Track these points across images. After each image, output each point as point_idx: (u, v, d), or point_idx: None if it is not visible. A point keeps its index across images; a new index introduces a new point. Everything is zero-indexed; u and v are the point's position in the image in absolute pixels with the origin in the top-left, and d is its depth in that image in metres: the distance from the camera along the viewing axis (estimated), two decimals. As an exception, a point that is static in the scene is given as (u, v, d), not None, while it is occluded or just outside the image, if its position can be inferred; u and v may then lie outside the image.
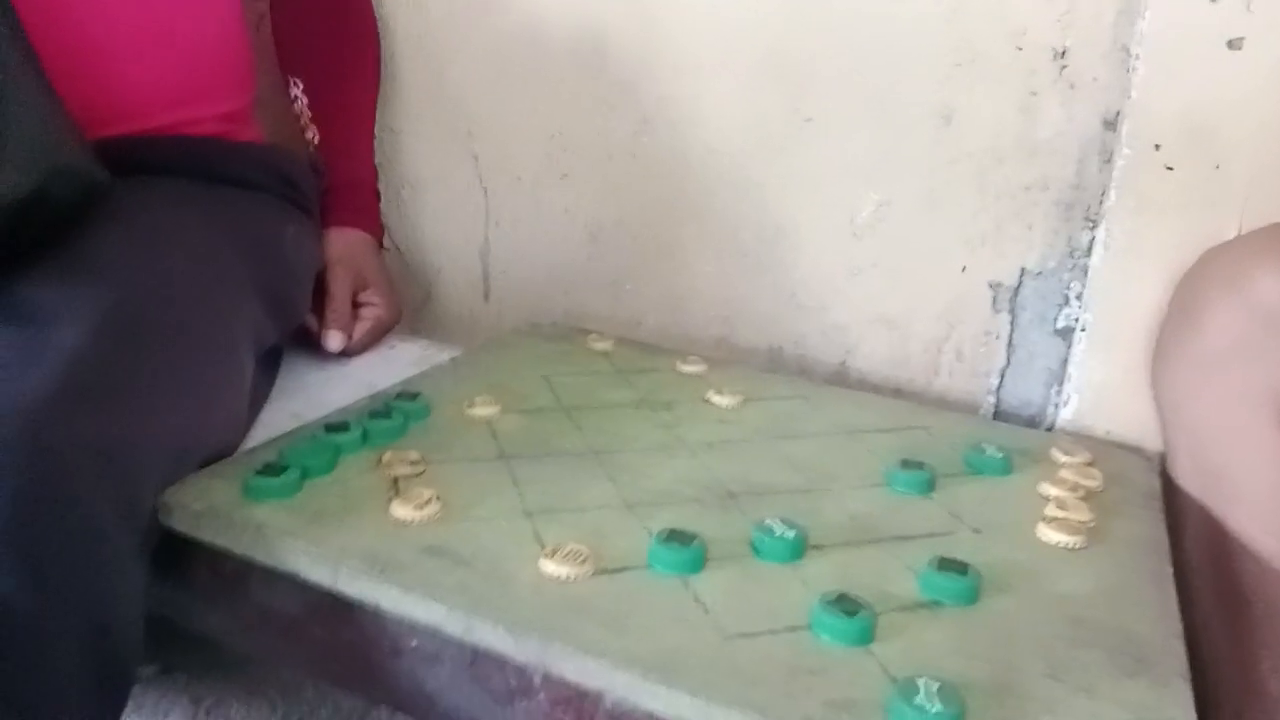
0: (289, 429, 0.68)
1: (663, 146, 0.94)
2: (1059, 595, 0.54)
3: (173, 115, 0.79)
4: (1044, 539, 0.60)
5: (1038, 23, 0.77)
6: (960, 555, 0.55)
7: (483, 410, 0.72)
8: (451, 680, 0.52)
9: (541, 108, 0.98)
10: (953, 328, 0.87)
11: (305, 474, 0.60)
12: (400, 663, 0.53)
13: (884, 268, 0.88)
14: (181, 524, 0.57)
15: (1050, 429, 0.84)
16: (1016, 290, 0.83)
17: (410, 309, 1.10)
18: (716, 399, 0.78)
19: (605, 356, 0.88)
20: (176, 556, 0.58)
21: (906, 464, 0.67)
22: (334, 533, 0.55)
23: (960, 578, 0.53)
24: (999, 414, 0.87)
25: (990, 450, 0.70)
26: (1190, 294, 0.70)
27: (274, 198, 0.85)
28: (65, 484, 0.47)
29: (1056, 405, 0.83)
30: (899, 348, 0.89)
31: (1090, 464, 0.71)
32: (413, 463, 0.63)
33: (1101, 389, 0.78)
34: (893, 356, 0.90)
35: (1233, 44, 0.68)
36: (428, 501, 0.57)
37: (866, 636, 0.49)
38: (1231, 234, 0.71)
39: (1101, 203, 0.77)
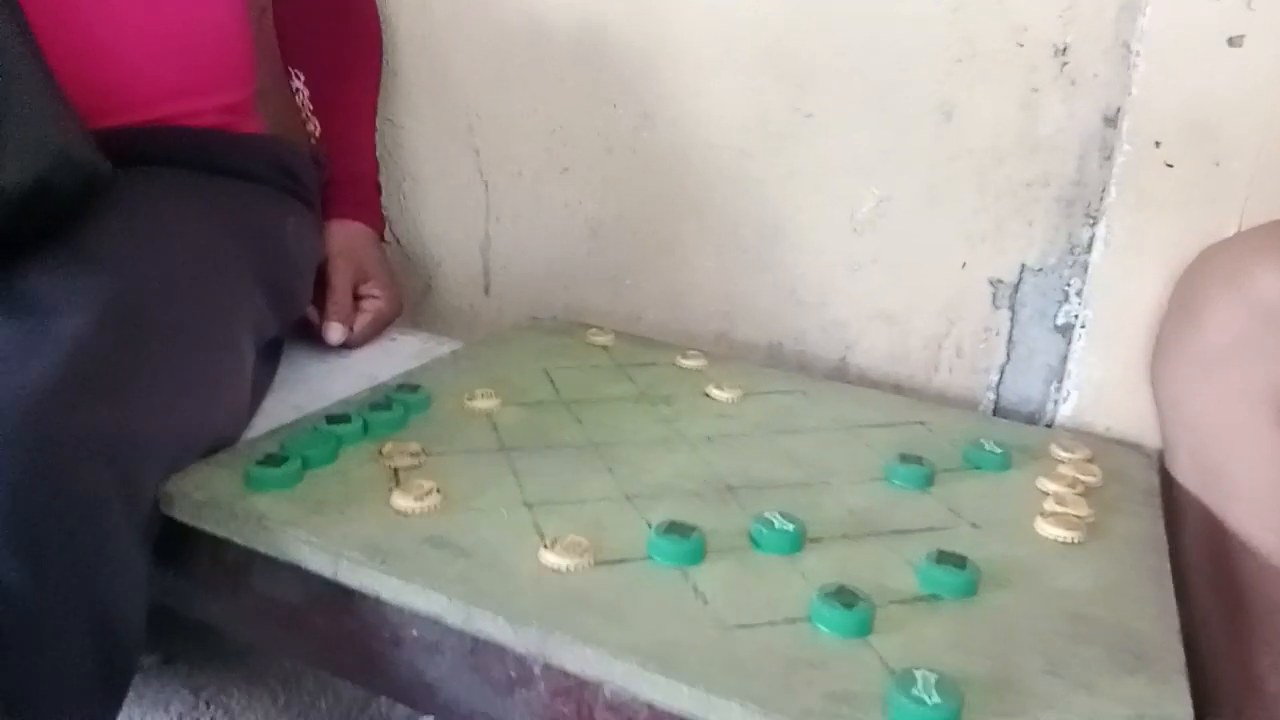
0: (290, 420, 0.69)
1: (663, 142, 0.94)
2: (1057, 590, 0.54)
3: (174, 106, 0.79)
4: (1042, 534, 0.60)
5: (1039, 19, 0.77)
6: (959, 549, 0.55)
7: (483, 403, 0.73)
8: (452, 670, 0.52)
9: (543, 103, 0.98)
10: (953, 324, 0.87)
11: (306, 464, 0.60)
12: (400, 652, 0.53)
13: (884, 264, 0.88)
14: (183, 514, 0.57)
15: (1050, 425, 0.84)
16: (1017, 287, 0.84)
17: (411, 302, 1.10)
18: (716, 393, 0.79)
19: (605, 351, 0.88)
20: (178, 545, 0.58)
21: (905, 459, 0.67)
22: (335, 523, 0.55)
23: (959, 571, 0.53)
24: (999, 410, 0.87)
25: (989, 446, 0.70)
26: (1190, 291, 0.70)
27: (275, 190, 0.85)
28: (67, 474, 0.47)
29: (1056, 402, 0.84)
30: (899, 344, 0.89)
31: (1089, 460, 0.71)
32: (413, 454, 0.63)
33: (1101, 385, 0.79)
34: (893, 352, 0.90)
35: (1233, 41, 0.68)
36: (428, 493, 0.58)
37: (865, 629, 0.49)
38: (1232, 231, 0.71)
39: (1102, 199, 0.77)
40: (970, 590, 0.53)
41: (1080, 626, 0.51)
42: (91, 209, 0.63)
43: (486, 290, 1.08)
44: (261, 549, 0.55)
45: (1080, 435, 0.78)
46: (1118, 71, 0.75)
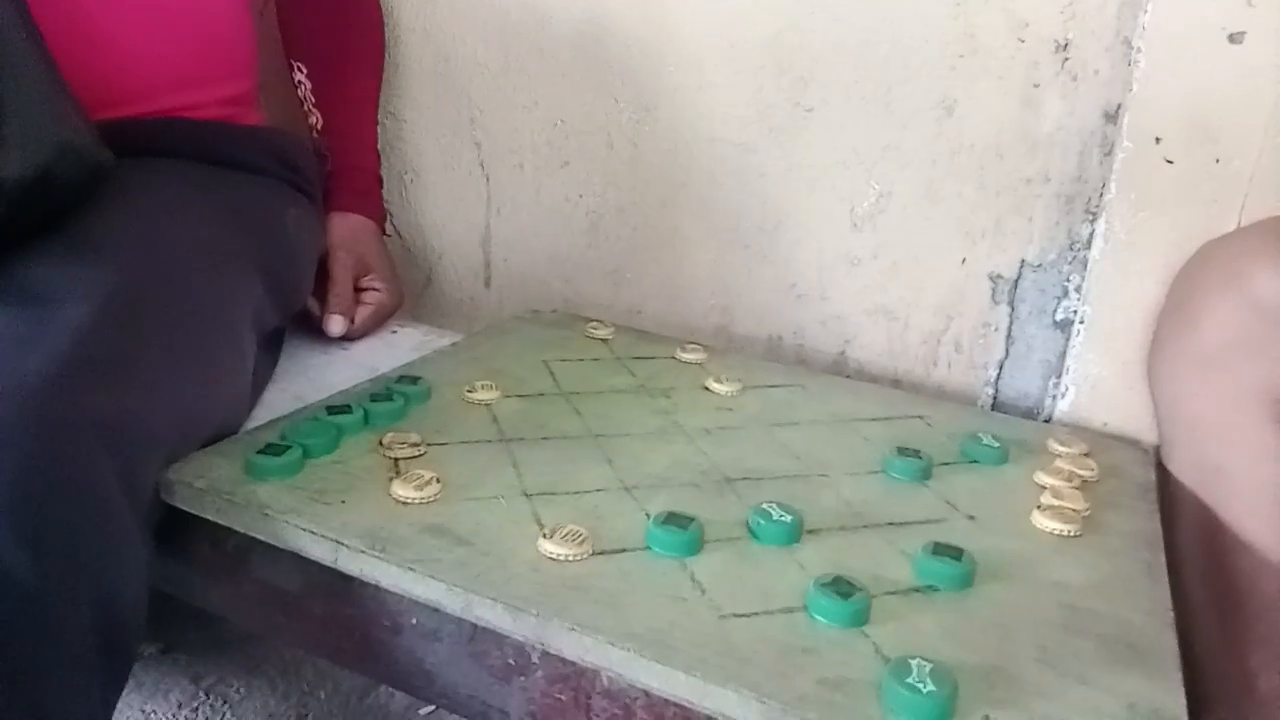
0: (291, 410, 0.69)
1: (664, 136, 0.94)
2: (1053, 582, 0.55)
3: (176, 98, 0.79)
4: (1039, 527, 0.61)
5: (1040, 15, 0.77)
6: (955, 541, 0.56)
7: (483, 394, 0.73)
8: (450, 657, 0.52)
9: (544, 96, 0.99)
10: (952, 319, 0.87)
11: (307, 454, 0.61)
12: (400, 640, 0.54)
13: (884, 259, 0.88)
14: (184, 501, 0.57)
15: (1048, 420, 0.84)
16: (1016, 282, 0.84)
17: (411, 294, 1.11)
18: (715, 386, 0.79)
19: (605, 344, 0.89)
20: (178, 531, 0.58)
21: (903, 451, 0.67)
22: (335, 512, 0.55)
23: (955, 563, 0.54)
24: (997, 405, 0.87)
25: (987, 440, 0.71)
26: (1188, 289, 0.70)
27: (277, 182, 0.85)
28: (69, 459, 0.48)
29: (1054, 397, 0.84)
30: (898, 338, 0.90)
31: (1087, 455, 0.71)
32: (413, 444, 0.64)
33: (1099, 381, 0.79)
34: (891, 347, 0.90)
35: (1234, 37, 0.68)
36: (428, 482, 0.58)
37: (861, 618, 0.49)
38: (1231, 228, 0.71)
39: (1102, 195, 0.77)
40: (966, 582, 0.53)
41: (1075, 619, 0.51)
42: (94, 200, 0.63)
43: (487, 283, 1.08)
44: (262, 537, 0.56)
45: (1078, 430, 0.78)
46: (1118, 68, 0.75)
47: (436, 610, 0.51)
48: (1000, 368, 0.86)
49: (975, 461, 0.69)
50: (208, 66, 0.82)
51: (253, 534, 0.56)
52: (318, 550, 0.54)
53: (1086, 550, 0.59)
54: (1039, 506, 0.62)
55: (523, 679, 0.50)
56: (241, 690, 0.89)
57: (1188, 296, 0.70)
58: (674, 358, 0.86)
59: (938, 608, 0.52)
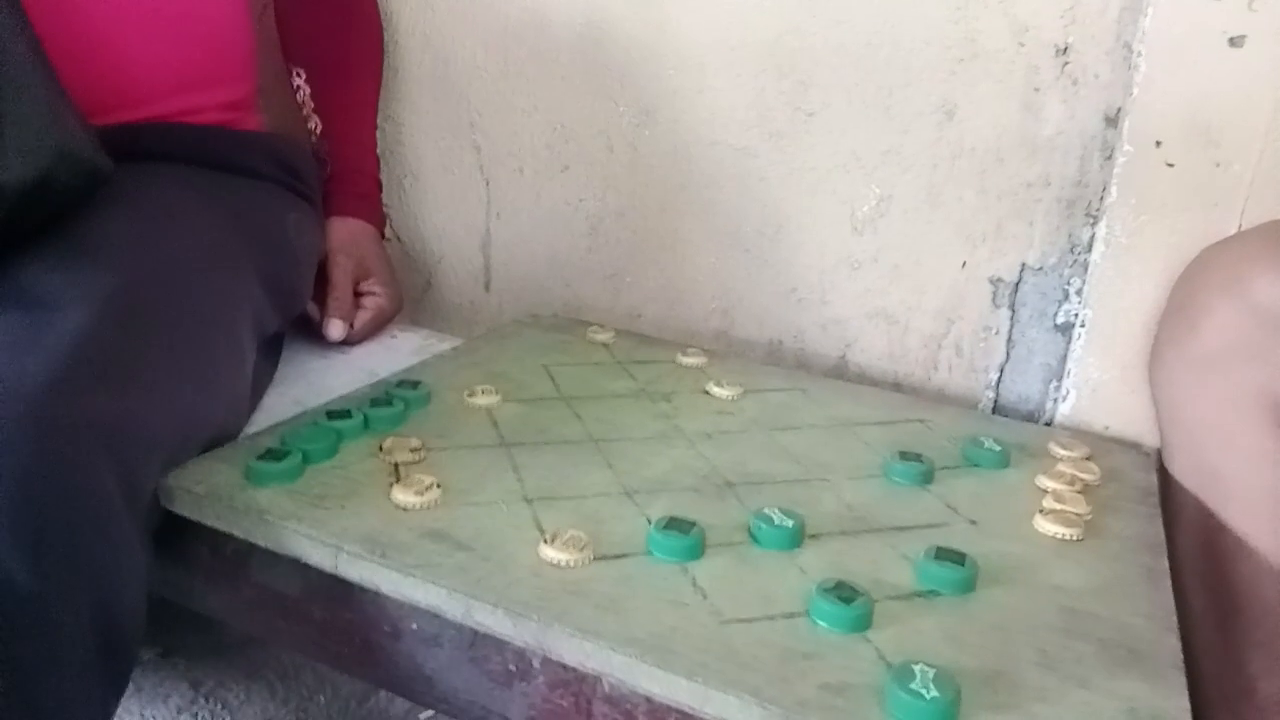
0: (291, 415, 0.69)
1: (664, 140, 0.94)
2: (1054, 586, 0.55)
3: (176, 103, 0.79)
4: (1041, 531, 0.60)
5: (1041, 20, 0.77)
6: (957, 546, 0.56)
7: (483, 399, 0.73)
8: (451, 663, 0.52)
9: (544, 100, 0.99)
10: (952, 323, 0.87)
11: (307, 459, 0.61)
12: (400, 645, 0.53)
13: (884, 262, 0.88)
14: (184, 508, 0.57)
15: (1049, 424, 0.84)
16: (1017, 286, 0.84)
17: (411, 299, 1.11)
18: (715, 390, 0.79)
19: (605, 348, 0.88)
20: (178, 536, 0.58)
21: (904, 456, 0.67)
22: (335, 517, 0.55)
23: (957, 567, 0.53)
24: (998, 409, 0.87)
25: (988, 443, 0.70)
26: (1188, 293, 0.70)
27: (276, 186, 0.85)
28: (69, 463, 0.47)
29: (1055, 401, 0.84)
30: (898, 342, 0.89)
31: (1088, 459, 0.71)
32: (413, 449, 0.63)
33: (1100, 385, 0.79)
34: (892, 351, 0.90)
35: (1234, 41, 0.68)
36: (428, 487, 0.58)
37: (863, 623, 0.49)
38: (1232, 232, 0.71)
39: (1102, 199, 0.77)
40: (968, 586, 0.53)
41: (1077, 622, 0.51)
42: (93, 204, 0.63)
43: (487, 287, 1.08)
44: (262, 543, 0.55)
45: (1079, 434, 0.78)
46: (1119, 72, 0.75)
47: (437, 615, 0.51)
48: (1001, 371, 0.86)
49: (976, 465, 0.69)
50: (207, 71, 0.82)
51: (252, 539, 0.56)
52: (318, 555, 0.54)
53: (1088, 554, 0.58)
54: (1040, 510, 0.62)
55: (523, 685, 0.50)
56: (241, 695, 0.89)
57: (1188, 300, 0.70)
58: (674, 361, 0.86)
59: (940, 612, 0.51)
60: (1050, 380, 0.84)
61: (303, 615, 0.57)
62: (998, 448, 0.70)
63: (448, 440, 0.66)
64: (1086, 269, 0.79)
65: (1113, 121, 0.77)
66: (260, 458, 0.59)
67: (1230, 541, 0.66)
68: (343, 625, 0.55)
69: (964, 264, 0.85)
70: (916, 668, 0.44)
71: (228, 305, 0.68)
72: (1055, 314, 0.83)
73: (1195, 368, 0.68)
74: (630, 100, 0.94)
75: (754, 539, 0.57)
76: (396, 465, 0.62)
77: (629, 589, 0.51)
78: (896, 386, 0.90)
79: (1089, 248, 0.79)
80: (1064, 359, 0.82)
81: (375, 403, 0.68)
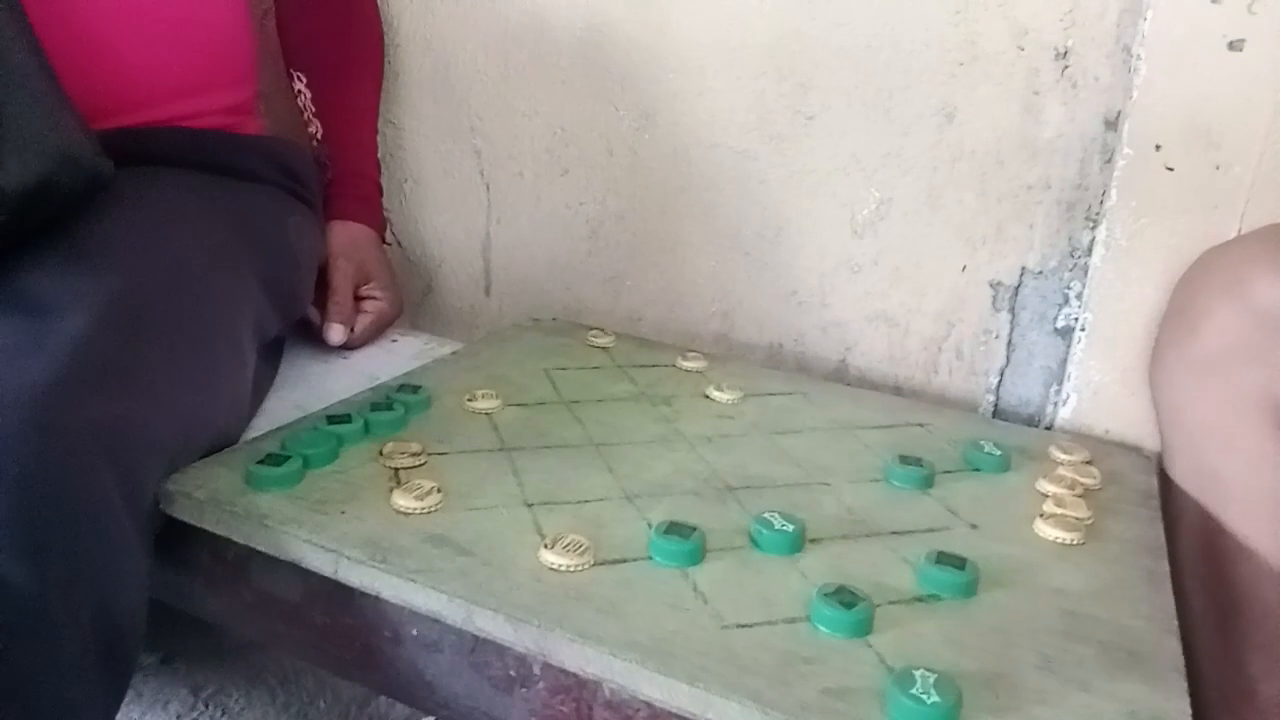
0: (291, 420, 0.69)
1: (664, 143, 0.94)
2: (1055, 590, 0.55)
3: (176, 107, 0.79)
4: (1041, 535, 0.60)
5: (1041, 23, 0.77)
6: (958, 550, 0.56)
7: (483, 403, 0.73)
8: (451, 668, 0.52)
9: (544, 104, 0.99)
10: (952, 326, 0.87)
11: (307, 464, 0.61)
12: (400, 650, 0.53)
13: (884, 266, 0.88)
14: (184, 513, 0.57)
15: (1049, 428, 0.84)
16: (1017, 289, 0.84)
17: (411, 303, 1.11)
18: (716, 394, 0.79)
19: (605, 351, 0.88)
20: (178, 541, 0.58)
21: (905, 460, 0.67)
22: (336, 522, 0.55)
23: (958, 572, 0.53)
24: (998, 413, 0.87)
25: (989, 447, 0.70)
26: (1188, 296, 0.70)
27: (277, 190, 0.85)
28: (70, 467, 0.47)
29: (1055, 404, 0.84)
30: (898, 346, 0.89)
31: (1088, 462, 0.71)
32: (414, 454, 0.63)
33: (1100, 388, 0.79)
34: (892, 354, 0.90)
35: (1234, 45, 0.68)
36: (429, 492, 0.58)
37: (864, 628, 0.49)
38: (1232, 235, 0.71)
39: (1102, 203, 0.77)
40: (969, 590, 0.53)
41: (1077, 626, 0.51)
42: (94, 208, 0.63)
43: (487, 291, 1.08)
44: (262, 548, 0.55)
45: (1079, 438, 0.78)
46: (1119, 75, 0.76)
47: (437, 621, 0.51)
48: (1001, 375, 0.86)
49: (977, 469, 0.69)
50: (208, 75, 0.82)
51: (253, 545, 0.56)
52: (318, 561, 0.54)
53: (1088, 558, 0.58)
54: (1041, 514, 0.62)
55: (524, 690, 0.50)
56: (241, 700, 0.89)
57: (1188, 303, 0.70)
58: (675, 365, 0.86)
59: (940, 616, 0.51)
60: (1050, 384, 0.84)
61: (303, 620, 0.57)
62: (998, 451, 0.70)
63: (448, 445, 0.66)
64: (1087, 272, 0.79)
65: (1112, 124, 0.77)
66: (260, 462, 0.59)
67: (1231, 544, 0.66)
68: (343, 630, 0.55)
69: (964, 267, 0.85)
70: (917, 672, 0.44)
71: (228, 309, 0.68)
72: (1055, 317, 0.83)
73: (1196, 370, 0.68)
74: (630, 103, 0.94)
75: (755, 543, 0.57)
76: (397, 470, 0.62)
77: (629, 593, 0.51)
78: (897, 390, 0.90)
79: (1089, 251, 0.79)
80: (1064, 362, 0.82)
81: (376, 407, 0.68)
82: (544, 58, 0.97)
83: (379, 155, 1.03)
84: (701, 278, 0.96)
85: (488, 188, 1.05)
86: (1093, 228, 0.79)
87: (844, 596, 0.50)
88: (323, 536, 0.54)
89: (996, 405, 0.87)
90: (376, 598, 0.53)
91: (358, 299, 0.91)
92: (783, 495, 0.63)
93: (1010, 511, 0.63)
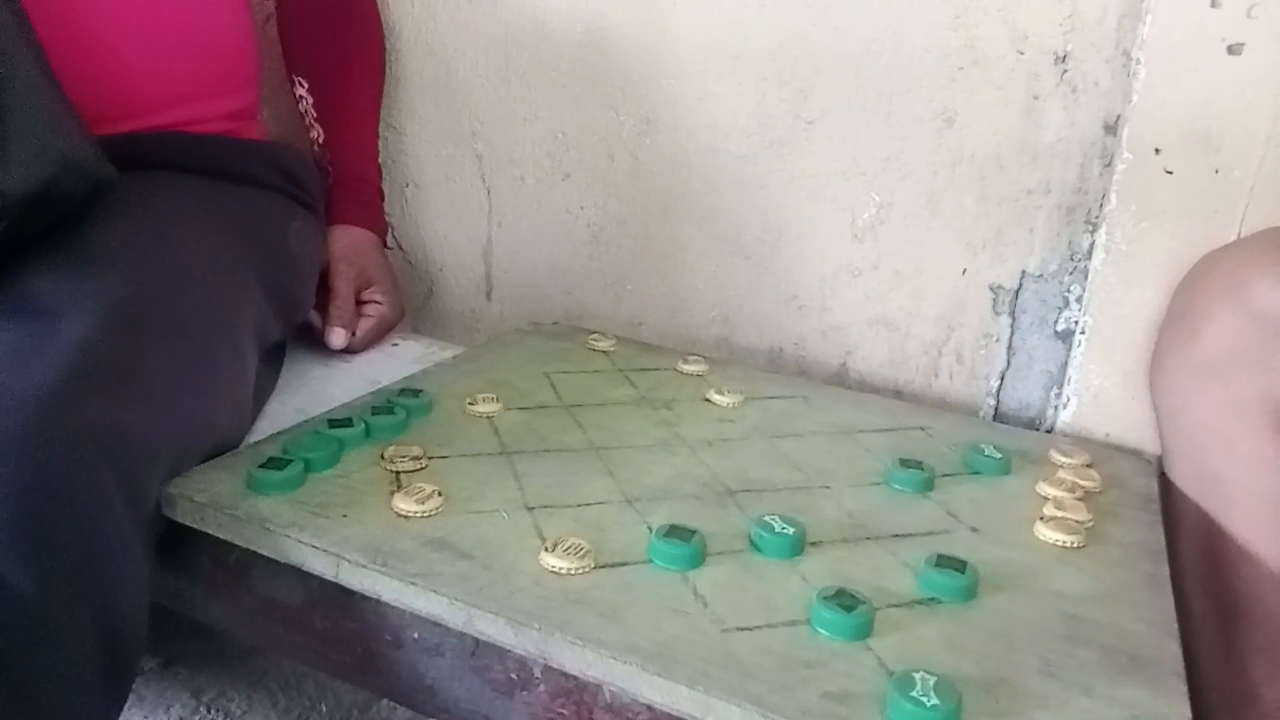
0: (292, 424, 0.69)
1: (665, 148, 0.94)
2: (1056, 593, 0.55)
3: (178, 113, 0.79)
4: (1042, 538, 0.60)
5: (1040, 27, 0.77)
6: (958, 553, 0.56)
7: (484, 407, 0.73)
8: (452, 671, 0.52)
9: (545, 109, 0.99)
10: (953, 330, 0.87)
11: (308, 468, 0.61)
12: (401, 654, 0.53)
13: (885, 270, 0.88)
14: (186, 516, 0.57)
15: (1049, 431, 0.84)
16: (1017, 293, 0.84)
17: (413, 307, 1.11)
18: (716, 398, 0.79)
19: (606, 355, 0.89)
20: (180, 545, 0.58)
21: (905, 463, 0.67)
22: (337, 526, 0.55)
23: (958, 575, 0.53)
24: (998, 416, 0.87)
25: (989, 451, 0.70)
26: (1188, 300, 0.70)
27: (278, 195, 0.85)
28: (71, 471, 0.47)
29: (1056, 408, 0.84)
30: (899, 349, 0.90)
31: (1089, 466, 0.71)
32: (415, 458, 0.63)
33: (1101, 392, 0.79)
34: (892, 358, 0.90)
35: (1233, 49, 0.68)
36: (429, 496, 0.58)
37: (865, 631, 0.49)
38: (1232, 238, 0.71)
39: (1102, 206, 0.77)
40: (970, 594, 0.53)
41: (1078, 629, 0.51)
42: (96, 213, 0.63)
43: (488, 295, 1.09)
44: (264, 552, 0.55)
45: (1080, 441, 0.78)
46: (1118, 79, 0.76)
47: (438, 624, 0.51)
48: (1002, 378, 0.86)
49: (977, 473, 0.69)
50: (210, 81, 0.83)
51: (254, 548, 0.56)
52: (319, 564, 0.54)
53: (1089, 561, 0.58)
54: (1041, 518, 0.62)
55: (525, 693, 0.50)
56: (243, 704, 0.89)
57: (1189, 307, 0.70)
58: (675, 369, 0.86)
59: (941, 620, 0.51)
60: (1051, 387, 0.84)
61: (304, 624, 0.57)
62: (999, 455, 0.70)
63: (449, 448, 0.66)
64: (1087, 276, 0.79)
65: (1112, 128, 0.77)
66: (262, 466, 0.59)
67: (1231, 547, 0.66)
68: (344, 634, 0.55)
69: (964, 271, 0.85)
70: (918, 675, 0.44)
71: (230, 313, 0.69)
72: (1056, 321, 0.83)
73: (1196, 374, 0.68)
74: (631, 108, 0.94)
75: (755, 547, 0.57)
76: (398, 474, 0.62)
77: (630, 597, 0.51)
78: (897, 393, 0.90)
79: (1089, 254, 0.79)
80: (1064, 366, 0.82)
81: (377, 411, 0.69)
82: (545, 62, 0.97)
83: (380, 160, 1.03)
84: (702, 282, 0.96)
85: (489, 192, 1.05)
86: (1093, 231, 0.79)
87: (844, 600, 0.50)
88: (324, 540, 0.54)
89: (997, 409, 0.87)
90: (377, 601, 0.53)
91: (359, 303, 0.92)
92: (783, 499, 0.63)
93: (1011, 515, 0.63)
